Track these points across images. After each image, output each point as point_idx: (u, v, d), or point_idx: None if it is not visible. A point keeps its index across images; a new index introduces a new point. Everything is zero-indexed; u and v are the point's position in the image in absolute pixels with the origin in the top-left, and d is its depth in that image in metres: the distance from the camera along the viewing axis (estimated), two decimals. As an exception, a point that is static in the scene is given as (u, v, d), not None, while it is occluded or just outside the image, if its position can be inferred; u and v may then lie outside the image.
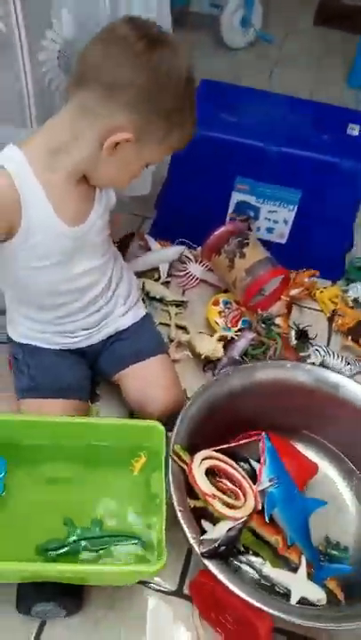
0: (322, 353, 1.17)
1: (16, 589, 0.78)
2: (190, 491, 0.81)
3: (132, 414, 1.05)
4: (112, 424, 0.84)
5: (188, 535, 0.76)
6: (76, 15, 0.92)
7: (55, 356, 0.97)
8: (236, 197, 1.33)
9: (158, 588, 0.86)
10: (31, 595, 0.76)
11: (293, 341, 1.21)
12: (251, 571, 0.85)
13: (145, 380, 1.00)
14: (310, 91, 2.04)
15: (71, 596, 0.78)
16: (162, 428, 0.82)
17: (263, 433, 0.88)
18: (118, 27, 0.75)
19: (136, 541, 0.77)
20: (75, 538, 0.76)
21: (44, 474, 0.83)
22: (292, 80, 2.08)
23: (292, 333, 1.21)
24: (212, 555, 0.75)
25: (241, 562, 0.85)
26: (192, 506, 0.80)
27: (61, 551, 0.75)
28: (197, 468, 0.81)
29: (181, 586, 0.87)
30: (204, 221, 1.31)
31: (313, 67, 2.19)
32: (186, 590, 0.86)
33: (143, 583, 0.86)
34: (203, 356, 1.13)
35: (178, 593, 0.86)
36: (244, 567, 0.85)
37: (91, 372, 1.04)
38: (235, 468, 0.85)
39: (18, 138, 0.86)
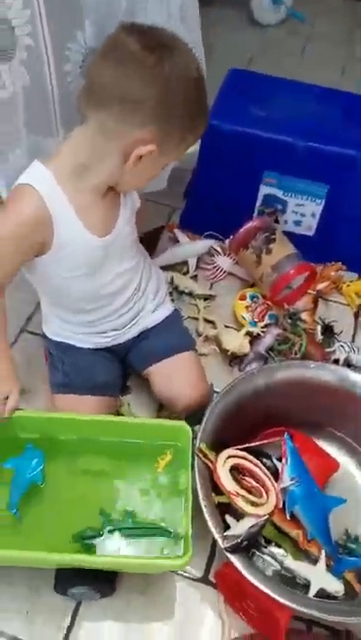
0: (346, 349, 1.19)
1: (55, 571, 0.84)
2: (215, 486, 0.86)
3: (161, 406, 1.10)
4: (142, 423, 0.90)
5: (213, 530, 0.81)
6: (98, 25, 0.93)
7: (88, 355, 1.02)
8: (263, 190, 1.34)
9: (186, 575, 0.92)
10: (68, 578, 0.83)
11: (319, 337, 1.23)
12: (273, 562, 0.90)
13: (172, 376, 1.03)
14: (343, 66, 2.00)
15: (105, 581, 0.84)
16: (188, 428, 0.87)
17: (286, 433, 0.92)
18: (124, 41, 0.75)
19: (165, 535, 0.82)
20: (109, 528, 0.82)
21: (80, 466, 0.89)
22: (325, 56, 2.04)
23: (318, 329, 1.23)
24: (234, 549, 0.80)
25: (264, 553, 0.90)
26: (217, 502, 0.85)
27: (97, 540, 0.81)
28: (222, 466, 0.86)
29: (207, 573, 0.92)
30: (232, 214, 1.33)
31: (345, 42, 2.14)
32: (212, 577, 0.91)
33: (172, 570, 0.91)
34: (229, 352, 1.16)
35: (204, 580, 0.92)
36: (267, 558, 0.90)
37: (122, 367, 1.09)
38: (258, 467, 0.89)
39: (45, 147, 0.89)
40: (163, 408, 1.10)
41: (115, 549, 0.81)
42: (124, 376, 1.11)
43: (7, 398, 0.87)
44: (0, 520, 0.83)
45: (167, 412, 1.07)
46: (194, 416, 0.97)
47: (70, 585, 0.83)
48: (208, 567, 0.93)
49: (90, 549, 0.81)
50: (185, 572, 0.92)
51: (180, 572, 0.92)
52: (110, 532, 0.82)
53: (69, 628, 0.85)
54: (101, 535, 0.81)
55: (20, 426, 0.88)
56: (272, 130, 1.26)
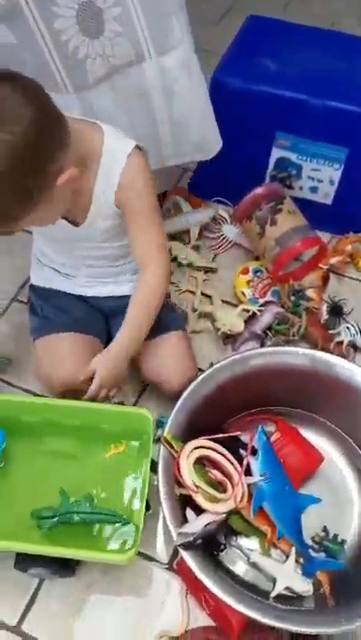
0: (353, 331, 1.10)
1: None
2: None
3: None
4: (104, 409, 0.86)
5: (169, 525, 0.78)
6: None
7: (67, 297, 1.02)
8: (276, 154, 1.23)
9: (154, 560, 0.90)
10: (26, 559, 0.83)
11: (325, 317, 1.14)
12: (240, 557, 0.87)
13: (158, 359, 0.98)
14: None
15: (61, 564, 0.84)
16: (150, 416, 0.83)
17: (260, 427, 0.86)
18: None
19: (121, 522, 0.80)
20: (66, 510, 0.80)
21: (44, 447, 0.89)
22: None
23: (324, 308, 1.14)
24: (188, 546, 0.76)
25: (231, 546, 0.87)
26: (179, 494, 0.81)
27: (53, 522, 0.80)
28: (186, 458, 0.81)
29: (174, 560, 0.90)
30: (243, 179, 1.23)
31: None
32: (175, 565, 0.89)
33: (138, 554, 0.90)
34: (221, 331, 1.10)
35: (171, 567, 0.90)
36: (234, 553, 0.87)
37: (106, 327, 1.04)
38: (227, 459, 0.84)
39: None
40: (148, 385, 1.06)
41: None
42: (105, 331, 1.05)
43: None
44: None
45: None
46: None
47: (28, 565, 0.83)
48: (175, 555, 0.90)
49: (48, 530, 0.80)
50: (153, 557, 0.90)
51: (147, 555, 0.90)
52: (67, 513, 0.80)
53: (28, 606, 0.86)
54: (57, 516, 0.80)
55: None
56: (285, 86, 1.14)
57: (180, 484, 0.82)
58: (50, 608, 0.86)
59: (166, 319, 1.01)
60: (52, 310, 1.01)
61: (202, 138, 1.14)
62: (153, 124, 1.07)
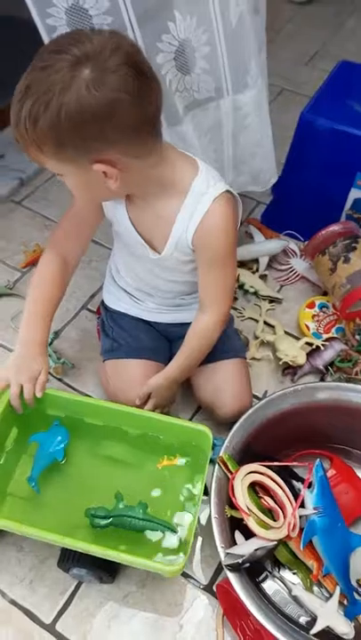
0: None
1: (61, 549, 0.86)
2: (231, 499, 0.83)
3: (199, 407, 1.07)
4: (167, 421, 0.87)
5: (217, 543, 0.78)
6: (190, 16, 0.90)
7: (136, 322, 1.04)
8: (355, 194, 1.25)
9: (192, 579, 0.90)
10: (71, 558, 0.84)
11: (388, 359, 1.13)
12: (282, 588, 0.85)
13: (215, 383, 1.00)
14: None
15: (104, 569, 0.84)
16: (210, 434, 0.84)
17: (318, 460, 0.86)
18: None
19: (172, 534, 0.81)
20: (120, 513, 0.82)
21: (102, 451, 0.91)
22: None
23: (389, 350, 1.13)
24: (234, 568, 0.76)
25: (274, 577, 0.86)
26: (229, 515, 0.81)
27: (106, 522, 0.81)
28: (240, 480, 0.82)
29: (213, 582, 0.89)
30: (317, 215, 1.25)
31: None
32: (215, 587, 0.89)
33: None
34: (282, 361, 1.11)
35: (208, 588, 0.89)
36: (276, 584, 0.86)
37: (169, 347, 1.07)
38: (282, 488, 0.84)
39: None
40: (200, 410, 1.07)
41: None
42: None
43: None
44: (19, 491, 0.86)
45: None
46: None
47: (72, 565, 0.84)
48: (215, 577, 0.90)
49: (97, 528, 0.82)
50: (190, 575, 0.90)
51: (188, 573, 0.90)
52: (120, 516, 0.81)
53: (65, 606, 0.87)
54: (111, 517, 0.81)
55: (49, 403, 0.90)
56: (371, 129, 1.16)
57: (232, 506, 0.82)
58: (85, 611, 0.87)
59: (228, 345, 1.03)
60: (123, 334, 1.04)
61: (259, 170, 1.21)
62: (219, 155, 1.13)
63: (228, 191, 0.84)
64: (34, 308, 0.90)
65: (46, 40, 0.82)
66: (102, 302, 1.11)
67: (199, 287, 0.91)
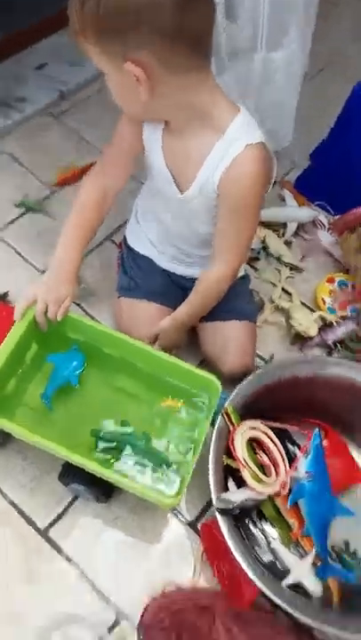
0: None
1: (63, 463, 0.89)
2: (228, 450, 0.86)
3: (202, 361, 1.10)
4: (180, 366, 0.90)
5: (211, 486, 0.82)
6: None
7: (154, 267, 1.06)
8: None
9: (179, 514, 0.95)
10: (71, 473, 0.88)
11: None
12: (261, 538, 0.91)
13: (222, 340, 1.02)
14: None
15: (101, 488, 0.88)
16: (218, 383, 0.88)
17: (317, 428, 0.90)
18: None
19: (169, 469, 0.85)
20: (124, 437, 0.86)
21: (114, 382, 0.93)
22: None
23: None
24: (224, 512, 0.81)
25: (256, 527, 0.91)
26: (225, 463, 0.86)
27: (109, 445, 0.85)
28: (241, 433, 0.86)
29: (197, 520, 0.95)
30: (353, 191, 1.25)
31: None
32: (199, 526, 0.94)
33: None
34: (294, 330, 1.13)
35: (193, 525, 0.94)
36: (257, 533, 0.91)
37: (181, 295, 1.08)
38: (277, 447, 0.88)
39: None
40: (203, 363, 1.09)
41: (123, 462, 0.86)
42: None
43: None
44: (31, 404, 0.89)
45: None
46: (232, 380, 0.97)
47: (71, 480, 0.88)
48: (200, 516, 0.95)
49: (99, 449, 0.86)
50: (177, 510, 0.95)
51: (176, 508, 0.95)
52: (123, 442, 0.85)
53: (60, 516, 0.92)
54: (115, 441, 0.85)
55: (71, 326, 0.92)
56: None
57: (230, 456, 0.86)
58: (77, 524, 0.92)
59: (240, 305, 1.05)
60: (141, 275, 1.06)
61: (278, 129, 1.26)
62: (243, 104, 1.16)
63: (262, 143, 0.82)
64: (72, 233, 0.91)
65: None
66: (124, 238, 1.11)
67: (215, 235, 0.90)
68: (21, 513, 0.92)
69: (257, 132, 0.82)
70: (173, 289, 1.07)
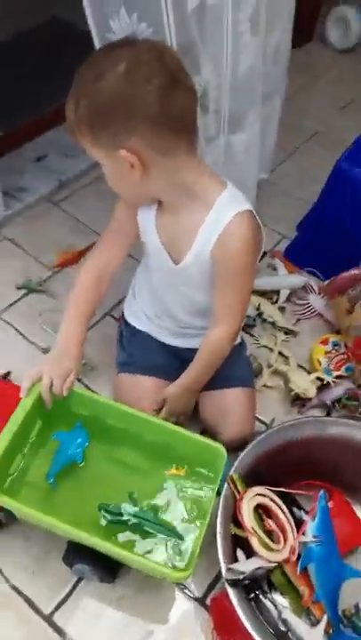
0: None
1: (67, 543, 0.89)
2: (236, 518, 0.86)
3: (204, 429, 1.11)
4: (185, 435, 0.91)
5: (220, 558, 0.82)
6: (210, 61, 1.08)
7: (152, 342, 1.10)
8: (378, 242, 1.31)
9: (186, 590, 0.93)
10: (74, 553, 0.87)
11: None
12: (272, 609, 0.89)
13: (221, 410, 1.04)
14: None
15: (106, 568, 0.87)
16: (224, 452, 0.88)
17: (322, 490, 0.90)
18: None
19: (179, 542, 0.85)
20: (133, 511, 0.85)
21: (120, 455, 0.94)
22: None
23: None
24: (234, 583, 0.80)
25: (266, 597, 0.89)
26: (233, 532, 0.85)
27: (117, 518, 0.85)
28: (247, 501, 0.86)
29: (206, 595, 0.93)
30: (341, 258, 1.30)
31: None
32: (208, 601, 0.92)
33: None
34: (293, 392, 1.15)
35: (201, 601, 0.92)
36: (268, 604, 0.89)
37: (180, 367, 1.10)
38: (284, 513, 0.88)
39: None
40: (205, 431, 1.10)
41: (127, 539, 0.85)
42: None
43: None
44: (37, 485, 0.89)
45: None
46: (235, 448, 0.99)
47: (76, 560, 0.88)
48: (209, 590, 0.93)
49: (111, 525, 0.85)
50: (185, 586, 0.93)
51: (183, 584, 0.94)
52: (132, 515, 0.85)
53: (64, 600, 0.90)
54: (123, 515, 0.85)
55: (75, 401, 0.94)
56: None
57: (237, 524, 0.86)
58: (81, 606, 0.90)
59: (238, 373, 1.08)
60: (139, 350, 1.09)
61: None
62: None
63: (250, 211, 0.88)
64: (73, 311, 0.95)
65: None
66: (122, 314, 1.16)
67: (213, 300, 0.95)
68: (24, 597, 0.90)
69: (245, 202, 0.88)
70: (172, 361, 1.09)
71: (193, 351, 1.02)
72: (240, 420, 1.04)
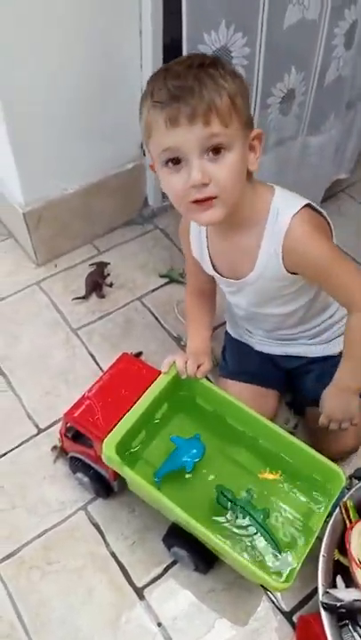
0: None
1: (169, 526, 0.93)
2: (341, 544, 0.85)
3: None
4: (304, 450, 0.90)
5: (320, 580, 0.81)
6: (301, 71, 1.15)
7: (247, 348, 1.11)
8: None
9: (276, 600, 0.93)
10: (176, 537, 0.91)
11: None
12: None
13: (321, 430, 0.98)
14: None
15: (203, 559, 0.90)
16: (343, 477, 0.87)
17: None
18: None
19: (279, 553, 0.84)
20: (244, 504, 0.86)
21: (231, 454, 0.95)
22: None
23: None
24: (330, 609, 0.79)
25: (355, 630, 0.87)
26: (336, 558, 0.84)
27: (229, 504, 0.86)
28: (358, 531, 0.84)
29: (293, 612, 0.92)
30: None
31: None
32: (295, 618, 0.91)
33: (266, 588, 0.93)
34: None
35: (288, 616, 0.92)
36: (356, 637, 0.86)
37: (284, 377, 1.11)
38: (393, 553, 0.85)
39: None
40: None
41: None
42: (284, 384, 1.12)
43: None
44: (150, 463, 0.92)
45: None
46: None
47: (176, 543, 0.91)
48: (298, 607, 0.92)
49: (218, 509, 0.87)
50: (276, 597, 0.93)
51: (271, 593, 0.93)
52: (243, 508, 0.86)
53: (155, 578, 0.94)
54: (237, 504, 0.86)
55: (201, 392, 0.98)
56: None
57: (342, 552, 0.84)
58: (172, 589, 0.93)
59: None
60: (237, 357, 1.12)
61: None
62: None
63: (305, 207, 0.83)
64: (191, 321, 1.06)
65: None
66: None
67: (335, 298, 0.91)
68: (120, 565, 0.95)
69: (296, 199, 0.85)
70: (272, 370, 1.10)
71: (292, 359, 1.04)
72: (344, 442, 1.01)
